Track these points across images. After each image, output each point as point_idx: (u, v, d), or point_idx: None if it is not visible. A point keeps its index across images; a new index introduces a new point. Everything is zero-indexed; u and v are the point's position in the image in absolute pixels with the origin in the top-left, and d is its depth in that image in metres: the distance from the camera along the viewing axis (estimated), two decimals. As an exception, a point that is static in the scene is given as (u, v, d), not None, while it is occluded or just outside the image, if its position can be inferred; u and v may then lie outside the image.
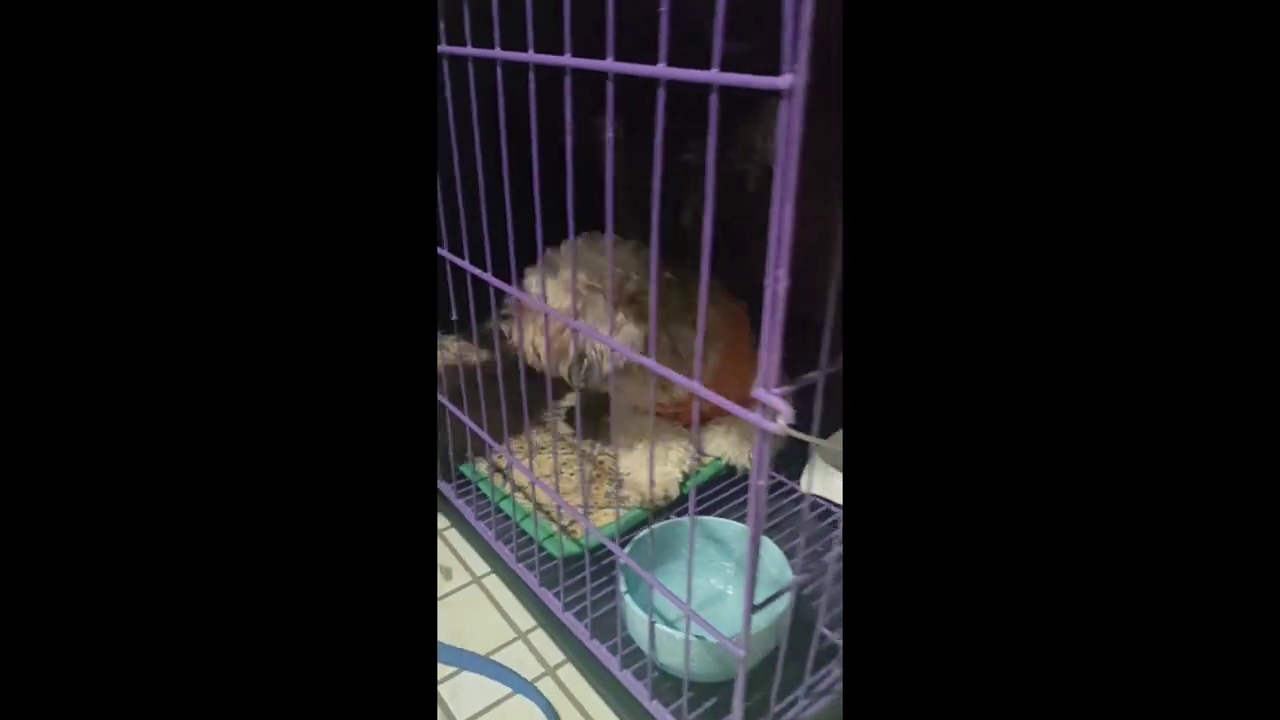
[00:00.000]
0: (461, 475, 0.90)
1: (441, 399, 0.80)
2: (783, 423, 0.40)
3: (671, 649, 0.58)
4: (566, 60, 0.45)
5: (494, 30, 0.52)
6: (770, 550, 0.66)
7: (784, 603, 0.57)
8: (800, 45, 0.32)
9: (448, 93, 0.59)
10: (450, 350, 1.06)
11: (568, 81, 0.46)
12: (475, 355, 1.05)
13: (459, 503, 0.88)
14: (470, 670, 0.72)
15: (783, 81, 0.33)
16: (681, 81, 0.39)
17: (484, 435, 0.73)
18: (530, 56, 0.49)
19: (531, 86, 0.50)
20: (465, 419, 0.76)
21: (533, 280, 0.77)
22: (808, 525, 0.80)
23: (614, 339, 0.49)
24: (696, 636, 0.57)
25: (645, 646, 0.61)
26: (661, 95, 0.40)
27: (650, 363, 0.49)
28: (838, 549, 0.54)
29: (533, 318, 0.80)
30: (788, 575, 0.63)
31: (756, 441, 0.42)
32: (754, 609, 0.48)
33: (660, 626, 0.58)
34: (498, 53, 0.52)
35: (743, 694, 0.51)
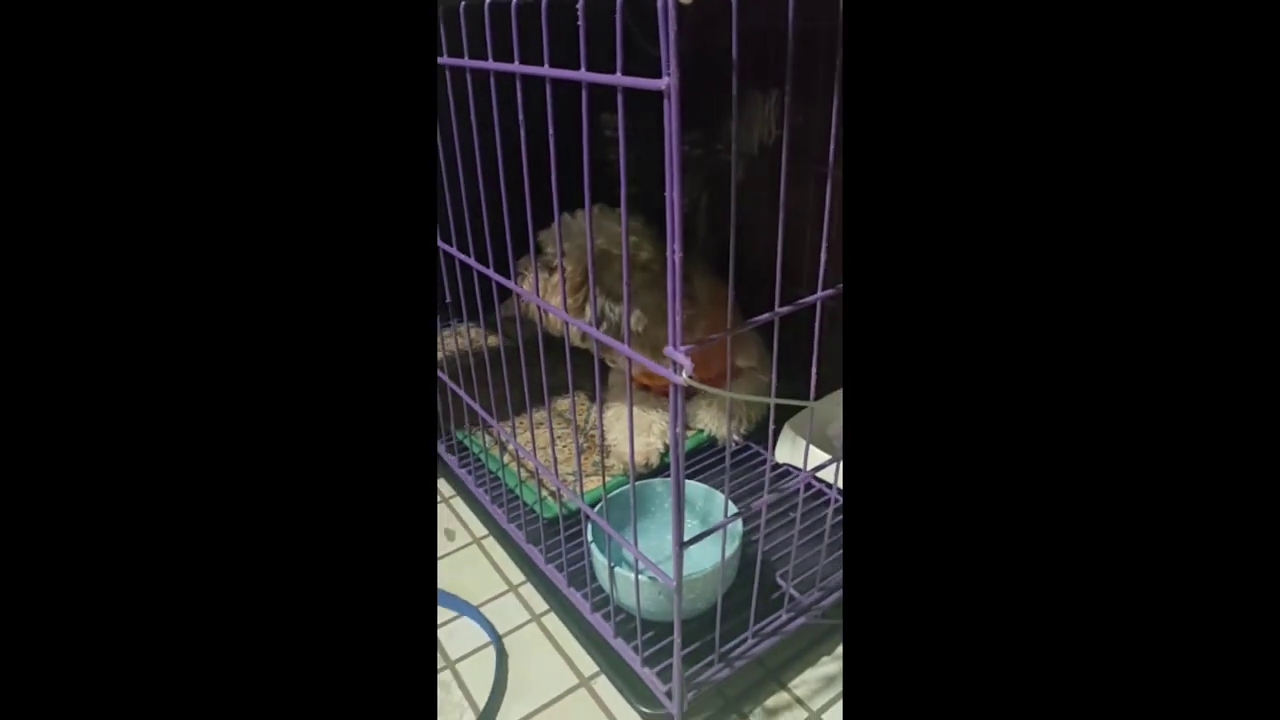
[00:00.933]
0: (464, 447, 0.98)
1: (450, 383, 0.88)
2: (686, 376, 0.46)
3: (627, 589, 0.65)
4: (513, 66, 0.53)
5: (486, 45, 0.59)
6: (719, 501, 0.72)
7: (727, 549, 0.64)
8: (672, 56, 0.38)
9: (451, 104, 0.66)
10: (461, 336, 1.14)
11: (491, 83, 0.53)
12: (484, 341, 1.13)
13: (461, 472, 0.96)
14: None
15: (661, 83, 0.39)
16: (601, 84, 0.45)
17: (480, 410, 0.81)
18: (465, 62, 0.56)
19: (464, 88, 0.57)
20: (466, 397, 0.84)
21: (546, 239, 0.84)
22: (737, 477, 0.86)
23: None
24: (649, 578, 0.64)
25: (607, 586, 0.68)
26: (585, 96, 0.47)
27: (592, 330, 0.56)
28: (769, 496, 0.60)
29: (546, 279, 0.87)
30: (737, 525, 0.70)
31: (671, 392, 0.49)
32: (684, 544, 0.54)
33: (617, 569, 0.65)
34: (466, 61, 0.60)
35: (679, 622, 0.58)
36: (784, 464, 0.90)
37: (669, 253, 0.44)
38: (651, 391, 1.00)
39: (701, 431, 0.97)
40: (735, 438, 0.96)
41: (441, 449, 0.99)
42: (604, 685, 0.71)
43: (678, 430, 0.50)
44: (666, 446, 0.93)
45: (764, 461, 0.92)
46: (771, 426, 0.58)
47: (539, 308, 0.86)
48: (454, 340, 0.99)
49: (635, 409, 0.96)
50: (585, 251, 0.73)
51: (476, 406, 0.81)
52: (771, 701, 0.69)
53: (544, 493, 0.86)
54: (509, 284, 0.67)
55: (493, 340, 1.11)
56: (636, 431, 0.94)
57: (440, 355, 0.97)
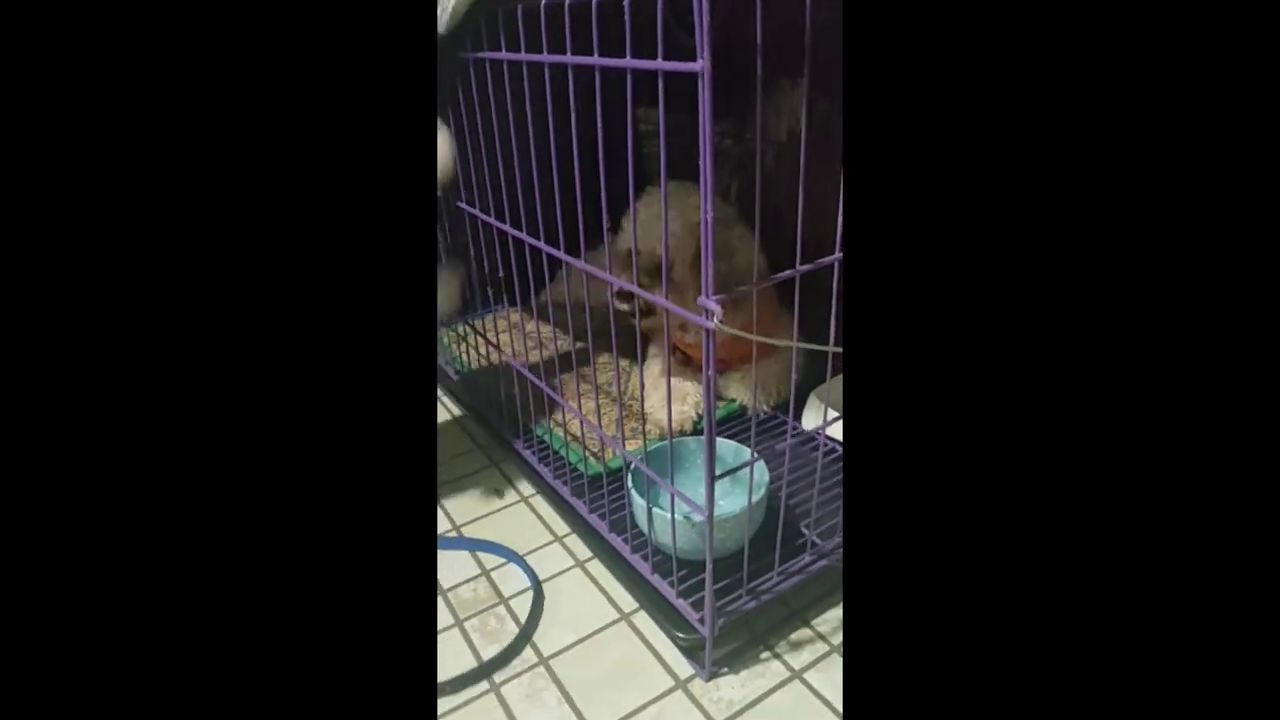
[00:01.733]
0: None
1: (509, 359, 0.96)
2: (717, 321, 0.53)
3: (664, 529, 0.72)
4: (565, 58, 0.60)
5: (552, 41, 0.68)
6: (746, 456, 0.79)
7: (754, 495, 0.71)
8: (705, 40, 0.46)
9: (507, 93, 0.74)
10: (512, 318, 1.23)
11: (513, 70, 0.61)
12: (536, 324, 1.22)
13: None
14: (473, 550, 0.91)
15: (697, 66, 0.47)
16: (642, 69, 0.53)
17: (530, 377, 0.89)
18: (522, 56, 0.64)
19: (516, 82, 0.65)
20: (517, 365, 0.92)
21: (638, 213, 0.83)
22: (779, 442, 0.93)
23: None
24: (684, 516, 0.71)
25: (645, 529, 0.75)
26: (630, 81, 0.55)
27: (647, 294, 0.63)
28: (790, 440, 0.67)
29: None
30: (763, 476, 0.77)
31: (704, 338, 0.56)
32: (715, 478, 0.61)
33: (655, 509, 0.72)
34: (496, 54, 0.68)
35: (711, 552, 0.65)
36: (809, 430, 0.96)
37: (702, 213, 0.51)
38: (691, 365, 1.07)
39: (733, 401, 1.04)
40: (764, 408, 1.02)
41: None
42: (642, 619, 0.79)
43: (710, 373, 0.57)
44: (698, 415, 1.00)
45: (786, 425, 0.99)
46: (794, 376, 0.65)
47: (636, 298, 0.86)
48: (506, 320, 1.08)
49: (672, 380, 1.03)
50: (670, 237, 0.78)
51: (528, 374, 0.89)
52: (796, 635, 0.76)
53: (587, 453, 0.93)
54: (573, 260, 0.73)
55: (545, 328, 1.20)
56: (672, 400, 1.01)
57: (495, 336, 1.06)
